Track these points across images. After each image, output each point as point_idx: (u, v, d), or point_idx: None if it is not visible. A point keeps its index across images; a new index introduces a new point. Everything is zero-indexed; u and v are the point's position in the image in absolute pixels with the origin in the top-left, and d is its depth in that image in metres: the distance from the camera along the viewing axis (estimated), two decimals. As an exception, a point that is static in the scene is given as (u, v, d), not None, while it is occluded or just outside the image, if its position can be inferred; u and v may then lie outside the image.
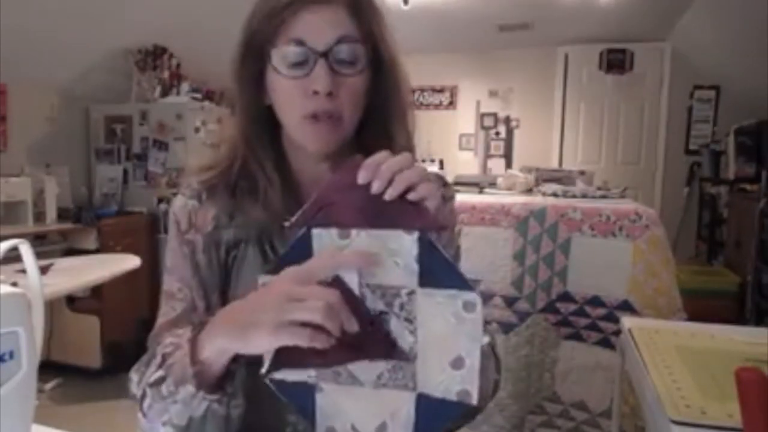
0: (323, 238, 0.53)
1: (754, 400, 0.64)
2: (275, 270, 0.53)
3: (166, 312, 0.69)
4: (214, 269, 0.69)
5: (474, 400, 0.50)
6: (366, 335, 0.52)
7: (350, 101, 0.63)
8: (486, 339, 0.50)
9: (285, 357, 0.52)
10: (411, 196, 0.51)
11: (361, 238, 0.52)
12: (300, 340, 0.48)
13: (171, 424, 0.56)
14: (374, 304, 0.52)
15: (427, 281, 0.51)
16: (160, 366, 0.57)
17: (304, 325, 0.48)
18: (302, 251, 0.53)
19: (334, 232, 0.53)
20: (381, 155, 0.53)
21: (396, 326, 0.52)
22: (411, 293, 0.51)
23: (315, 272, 0.51)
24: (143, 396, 0.59)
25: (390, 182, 0.51)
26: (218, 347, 0.53)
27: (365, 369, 0.53)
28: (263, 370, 0.52)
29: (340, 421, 0.55)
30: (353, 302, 0.51)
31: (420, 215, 0.51)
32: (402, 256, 0.51)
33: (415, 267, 0.51)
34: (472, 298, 0.49)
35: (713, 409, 0.81)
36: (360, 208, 0.52)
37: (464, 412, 0.51)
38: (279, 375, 0.53)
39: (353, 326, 0.50)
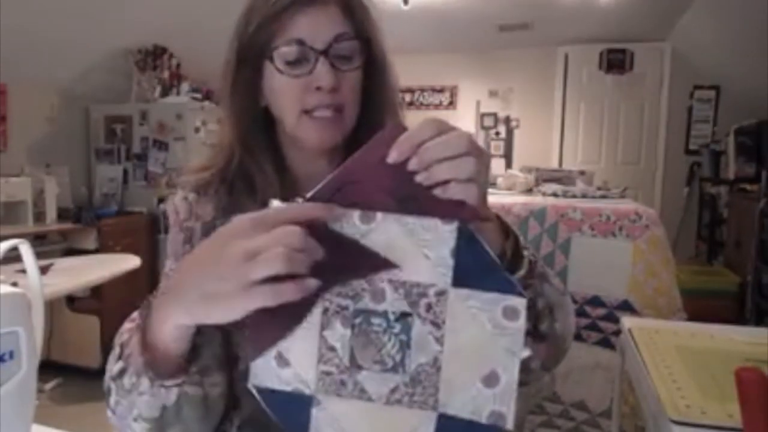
0: (341, 220, 0.46)
1: (754, 400, 0.64)
2: None
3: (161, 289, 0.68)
4: None
5: (509, 425, 0.44)
6: (343, 257, 0.45)
7: (350, 96, 0.64)
8: (526, 353, 0.44)
9: (259, 335, 0.45)
10: (443, 192, 0.45)
11: (387, 224, 0.45)
12: (267, 300, 0.42)
13: (142, 419, 0.52)
14: (395, 304, 0.45)
15: (462, 280, 0.44)
16: (119, 357, 0.53)
17: (268, 280, 0.42)
18: None
19: (355, 214, 0.46)
20: (426, 128, 0.45)
21: (419, 331, 0.45)
22: (441, 293, 0.45)
23: (269, 218, 0.44)
24: (109, 391, 0.54)
25: (428, 167, 0.44)
26: (174, 325, 0.48)
27: (376, 380, 0.45)
28: (250, 383, 0.46)
29: None
30: (322, 233, 0.44)
31: (460, 205, 0.44)
32: (434, 248, 0.44)
33: (450, 262, 0.44)
34: (517, 304, 0.43)
35: (713, 409, 0.81)
36: (388, 189, 0.45)
37: None
38: (267, 383, 0.46)
39: (319, 253, 0.43)
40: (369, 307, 0.45)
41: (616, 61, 4.73)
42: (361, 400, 0.45)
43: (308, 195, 0.47)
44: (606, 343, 1.78)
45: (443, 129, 0.46)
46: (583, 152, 4.89)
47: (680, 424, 0.79)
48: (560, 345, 0.61)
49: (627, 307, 1.74)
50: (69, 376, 2.99)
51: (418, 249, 0.45)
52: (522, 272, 0.54)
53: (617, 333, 1.52)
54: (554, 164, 4.81)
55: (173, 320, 0.47)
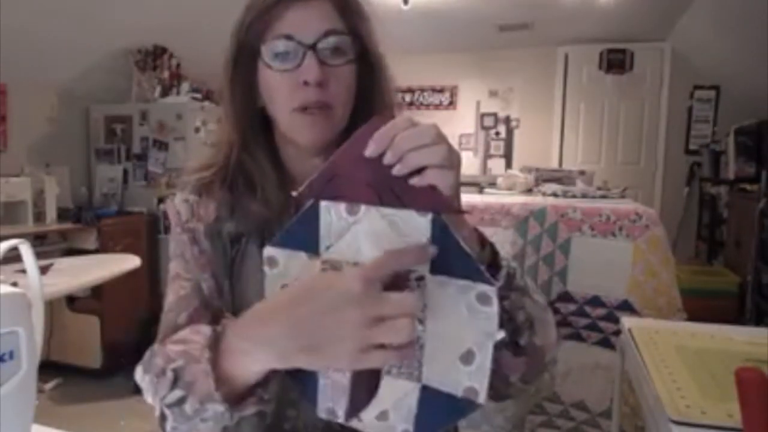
0: (331, 212, 0.50)
1: (754, 400, 0.64)
2: (281, 243, 0.51)
3: (176, 290, 0.68)
4: (219, 255, 0.69)
5: (481, 399, 0.47)
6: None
7: (340, 92, 0.64)
8: (501, 335, 0.47)
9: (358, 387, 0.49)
10: (420, 180, 0.47)
11: (370, 216, 0.48)
12: (378, 364, 0.44)
13: None
14: None
15: (439, 268, 0.47)
16: (174, 384, 0.53)
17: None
18: (309, 224, 0.50)
19: (342, 206, 0.49)
20: (399, 122, 0.48)
21: None
22: (420, 279, 0.48)
23: (381, 274, 0.45)
24: (163, 417, 0.54)
25: (401, 158, 0.47)
26: (264, 368, 0.49)
27: None
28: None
29: (341, 403, 0.51)
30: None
31: (434, 196, 0.47)
32: (413, 239, 0.47)
33: None
34: (488, 291, 0.46)
35: (713, 409, 0.81)
36: (370, 182, 0.48)
37: (469, 410, 0.48)
38: None
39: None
40: None
41: (616, 61, 4.73)
42: None
43: (300, 189, 0.50)
44: (606, 343, 1.78)
45: (415, 123, 0.48)
46: (583, 152, 4.89)
47: (680, 424, 0.79)
48: (539, 359, 0.61)
49: (627, 307, 1.74)
50: (69, 376, 3.00)
51: (399, 238, 0.47)
52: (499, 284, 0.54)
53: (617, 333, 1.52)
54: (554, 164, 4.81)
55: (263, 364, 0.49)
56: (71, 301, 3.09)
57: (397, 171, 0.47)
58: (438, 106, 5.25)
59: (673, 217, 4.46)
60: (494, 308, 0.46)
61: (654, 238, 1.75)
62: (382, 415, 0.52)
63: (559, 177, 2.66)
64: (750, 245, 3.23)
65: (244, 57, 0.66)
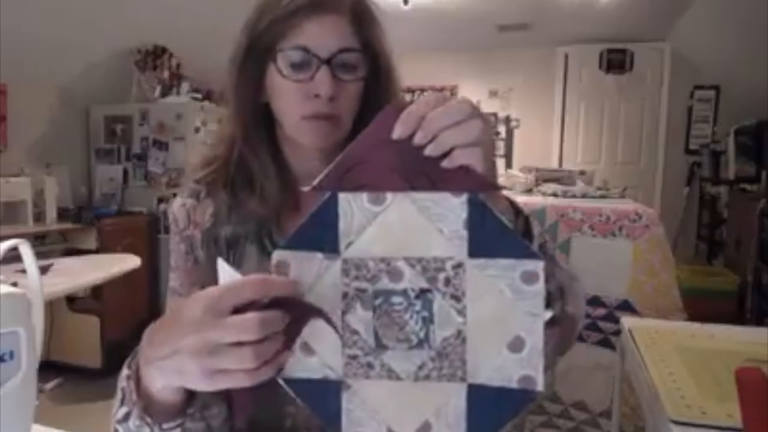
0: (351, 204, 0.46)
1: (754, 400, 0.64)
2: (292, 245, 0.47)
3: (170, 304, 0.71)
4: (214, 264, 0.69)
5: (540, 386, 0.44)
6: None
7: (348, 105, 0.65)
8: (549, 314, 0.44)
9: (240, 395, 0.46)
10: (454, 160, 0.44)
11: (399, 203, 0.45)
12: (228, 385, 0.44)
13: None
14: (414, 281, 0.45)
15: (478, 250, 0.44)
16: (122, 401, 0.54)
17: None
18: (325, 221, 0.46)
19: (364, 196, 0.45)
20: (425, 102, 0.45)
21: (440, 306, 0.45)
22: (458, 266, 0.44)
23: (228, 300, 0.43)
24: None
25: (434, 137, 0.44)
26: (161, 385, 0.49)
27: (402, 358, 0.46)
28: (278, 376, 0.46)
29: (371, 426, 0.46)
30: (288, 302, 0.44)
31: (469, 175, 0.44)
32: (448, 222, 0.44)
33: (464, 233, 0.44)
34: (534, 267, 0.43)
35: (713, 409, 0.81)
36: (396, 168, 0.45)
37: (527, 400, 0.45)
38: (295, 373, 0.47)
39: (279, 325, 0.44)
40: (388, 287, 0.45)
41: (616, 61, 4.73)
42: (390, 379, 0.46)
43: (316, 181, 0.46)
44: (606, 343, 1.78)
45: (444, 99, 0.45)
46: (583, 152, 4.89)
47: (680, 424, 0.79)
48: (573, 327, 0.61)
49: (627, 307, 1.74)
50: (69, 376, 2.99)
51: (431, 224, 0.44)
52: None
53: (617, 333, 1.52)
54: (554, 164, 4.81)
55: (159, 382, 0.49)
56: (71, 301, 3.09)
57: (430, 151, 0.44)
58: (438, 106, 5.25)
59: (673, 217, 4.46)
60: (540, 286, 0.43)
61: (654, 238, 1.75)
62: (424, 428, 0.46)
63: (559, 177, 2.66)
64: (750, 245, 3.23)
65: (256, 56, 0.66)
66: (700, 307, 2.31)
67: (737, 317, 3.21)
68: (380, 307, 0.46)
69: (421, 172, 0.44)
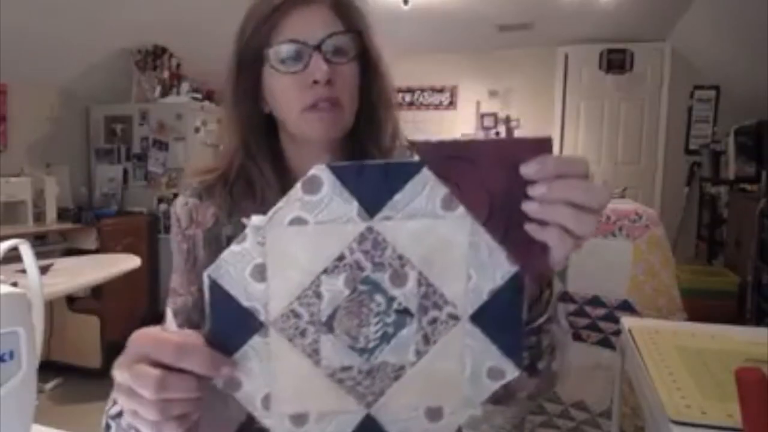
0: (426, 186, 0.40)
1: (754, 400, 0.64)
2: (342, 173, 0.40)
3: (170, 304, 0.71)
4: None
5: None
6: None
7: (346, 88, 0.66)
8: (478, 412, 0.45)
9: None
10: (543, 234, 0.41)
11: (459, 221, 0.40)
12: (146, 429, 0.42)
13: None
14: (407, 298, 0.41)
15: (481, 320, 0.42)
16: (115, 399, 0.54)
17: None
18: (391, 180, 0.40)
19: (441, 191, 0.40)
20: (575, 165, 0.41)
21: (407, 335, 0.42)
22: (454, 318, 0.42)
23: (137, 355, 0.41)
24: (107, 426, 0.57)
25: (547, 200, 0.40)
26: None
27: (337, 351, 0.42)
28: (208, 270, 0.41)
29: (254, 384, 0.42)
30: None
31: (540, 255, 0.41)
32: (481, 276, 0.41)
33: (485, 297, 0.41)
34: (507, 372, 0.42)
35: (713, 409, 0.81)
36: (491, 190, 0.40)
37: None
38: (228, 285, 0.41)
39: (190, 387, 0.40)
40: (383, 283, 0.41)
41: (616, 61, 4.73)
42: (309, 358, 0.42)
43: (420, 141, 0.41)
44: (606, 343, 1.78)
45: (588, 176, 0.42)
46: (583, 152, 4.89)
47: (680, 424, 0.79)
48: (551, 383, 0.61)
49: (627, 307, 1.74)
50: (69, 376, 2.99)
51: (466, 264, 0.41)
52: (542, 319, 0.54)
53: (617, 333, 1.52)
54: (554, 164, 4.81)
55: None
56: (71, 301, 3.09)
57: (532, 210, 0.40)
58: (438, 106, 5.25)
59: (673, 217, 4.46)
60: (496, 386, 0.42)
61: (654, 238, 1.75)
62: (300, 417, 0.43)
63: (559, 177, 2.66)
64: (750, 245, 3.22)
65: (248, 64, 0.67)
66: (700, 307, 2.31)
67: (737, 317, 3.21)
68: (359, 293, 0.41)
69: (506, 212, 0.40)
